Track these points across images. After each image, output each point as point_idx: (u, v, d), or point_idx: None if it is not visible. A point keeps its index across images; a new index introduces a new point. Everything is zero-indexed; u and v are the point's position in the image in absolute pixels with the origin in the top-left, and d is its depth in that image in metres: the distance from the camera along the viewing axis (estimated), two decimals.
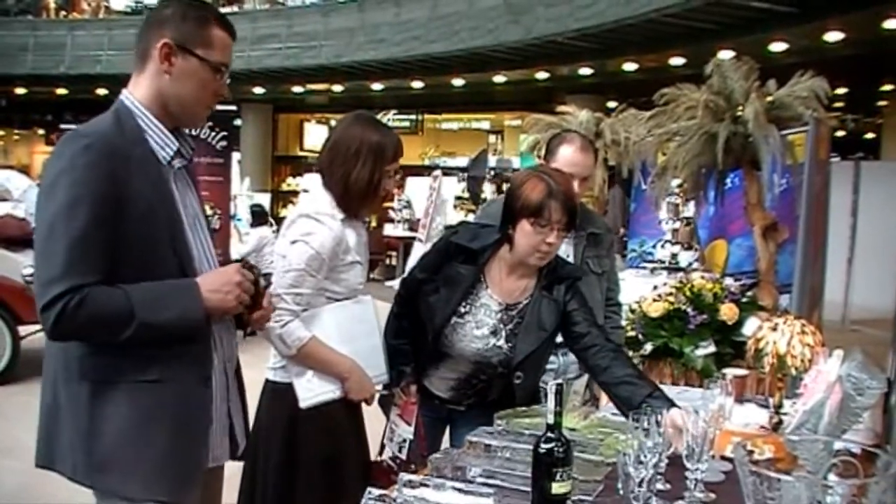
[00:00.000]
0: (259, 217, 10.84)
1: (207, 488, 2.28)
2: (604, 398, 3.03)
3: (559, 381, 1.90)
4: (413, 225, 14.21)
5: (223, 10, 17.64)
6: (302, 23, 18.01)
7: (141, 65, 2.12)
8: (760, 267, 4.98)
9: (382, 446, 2.93)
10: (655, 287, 4.31)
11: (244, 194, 13.77)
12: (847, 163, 11.30)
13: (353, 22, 17.02)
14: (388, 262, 14.75)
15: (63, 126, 13.82)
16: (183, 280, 2.07)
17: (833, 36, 11.49)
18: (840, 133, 17.06)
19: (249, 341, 3.16)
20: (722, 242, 5.74)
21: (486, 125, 22.54)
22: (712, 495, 2.14)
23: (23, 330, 7.21)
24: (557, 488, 1.84)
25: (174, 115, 2.14)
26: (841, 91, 14.13)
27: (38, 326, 2.03)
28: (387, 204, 14.36)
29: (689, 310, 4.07)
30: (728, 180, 5.37)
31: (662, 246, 5.09)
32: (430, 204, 13.06)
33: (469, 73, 16.76)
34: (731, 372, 3.10)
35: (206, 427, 2.15)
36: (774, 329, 2.80)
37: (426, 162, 20.84)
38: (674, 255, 5.01)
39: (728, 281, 4.52)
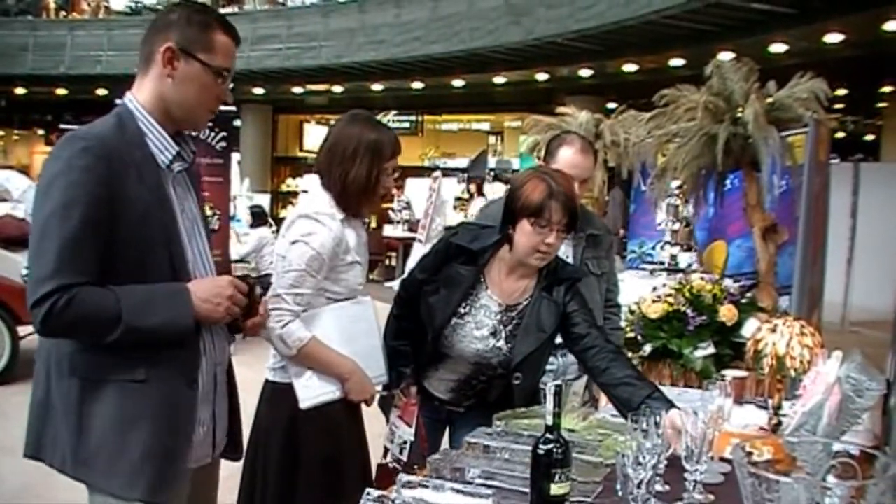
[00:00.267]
0: (258, 218, 10.83)
1: (197, 487, 2.29)
2: (603, 399, 3.03)
3: (558, 382, 1.90)
4: (413, 226, 14.19)
5: (223, 10, 17.69)
6: (302, 23, 18.02)
7: (145, 68, 2.14)
8: (760, 268, 4.98)
9: (387, 449, 2.93)
10: (655, 288, 4.31)
11: (244, 195, 13.76)
12: (847, 164, 11.31)
13: (354, 23, 17.03)
14: (387, 262, 14.73)
15: (63, 126, 13.81)
16: (175, 285, 2.08)
17: (833, 37, 11.49)
18: (840, 134, 17.09)
19: (249, 341, 3.16)
20: (721, 244, 5.73)
21: (485, 126, 22.56)
22: (711, 497, 2.14)
23: (22, 330, 7.21)
24: (556, 489, 1.84)
25: (176, 118, 2.15)
26: (841, 92, 14.13)
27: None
28: (386, 205, 14.35)
29: (688, 311, 4.08)
30: (728, 181, 5.37)
31: (662, 248, 5.09)
32: (429, 205, 13.05)
33: (469, 73, 16.77)
34: (730, 373, 3.10)
35: (190, 429, 2.16)
36: (774, 330, 2.79)
37: (426, 163, 20.86)
38: (673, 257, 5.01)
39: (727, 282, 4.52)
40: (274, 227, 10.74)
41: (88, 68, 19.22)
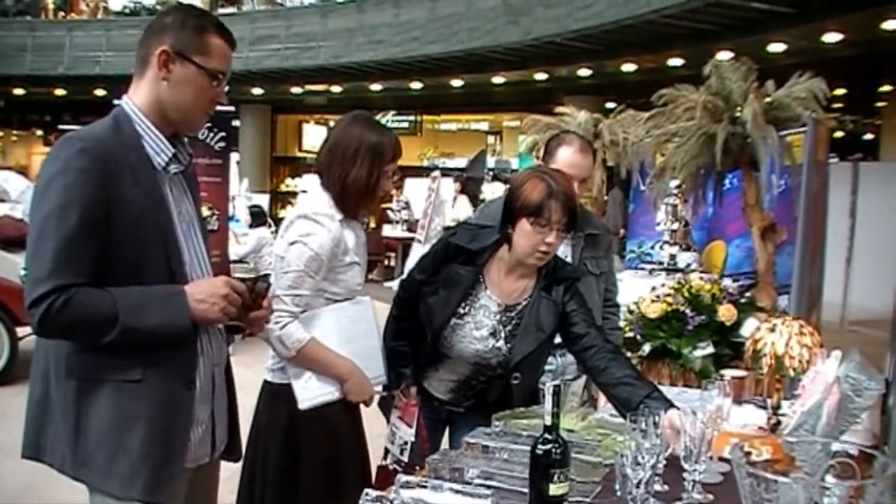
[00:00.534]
0: (257, 218, 10.83)
1: (197, 488, 2.30)
2: (602, 399, 3.03)
3: (557, 382, 1.90)
4: (412, 226, 14.18)
5: (222, 10, 17.69)
6: (300, 24, 18.02)
7: (141, 71, 2.15)
8: (759, 268, 4.98)
9: (387, 450, 2.92)
10: (654, 288, 4.31)
11: (242, 195, 13.75)
12: (846, 164, 11.30)
13: (352, 23, 17.03)
14: (386, 263, 14.73)
15: (61, 127, 13.81)
16: (171, 287, 2.08)
17: (832, 37, 11.49)
18: (839, 134, 17.08)
19: (248, 342, 3.17)
20: (720, 243, 5.73)
21: (484, 126, 22.57)
22: (710, 496, 2.14)
23: (21, 331, 7.21)
24: (555, 489, 1.84)
25: (172, 120, 2.17)
26: (839, 92, 14.15)
27: None
28: (385, 205, 14.35)
29: (687, 311, 4.08)
30: (726, 181, 5.36)
31: (661, 247, 5.09)
32: (428, 205, 13.05)
33: (468, 73, 16.77)
34: (729, 373, 3.10)
35: (188, 429, 2.16)
36: (773, 330, 2.79)
37: (425, 163, 20.87)
38: (672, 256, 5.01)
39: (726, 282, 4.52)
40: (273, 228, 10.73)
41: (87, 69, 19.22)
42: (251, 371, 2.76)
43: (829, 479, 1.54)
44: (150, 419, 2.06)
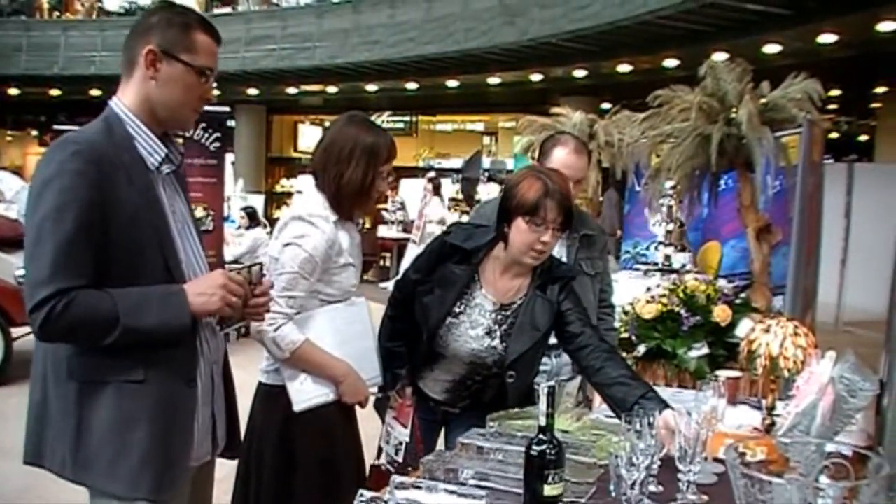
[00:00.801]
0: (253, 219, 10.85)
1: (196, 486, 2.31)
2: (597, 400, 3.03)
3: (551, 382, 1.90)
4: (407, 226, 14.21)
5: (217, 10, 17.67)
6: (296, 24, 17.99)
7: (128, 72, 2.16)
8: (754, 269, 4.98)
9: (380, 450, 2.92)
10: (649, 289, 4.31)
11: (238, 195, 13.75)
12: (841, 165, 11.33)
13: (348, 23, 17.02)
14: (382, 263, 14.74)
15: (56, 127, 13.82)
16: (170, 286, 2.09)
17: (827, 38, 11.50)
18: (834, 135, 17.10)
19: (243, 343, 3.16)
20: (715, 244, 5.73)
21: (480, 127, 22.58)
22: (705, 497, 2.14)
23: (15, 332, 7.20)
24: (549, 490, 1.84)
25: (162, 119, 2.17)
26: (835, 93, 14.17)
27: (30, 328, 2.05)
28: (381, 205, 14.34)
29: (682, 311, 4.08)
30: (722, 182, 5.36)
31: (656, 248, 5.09)
32: (423, 205, 13.07)
33: (463, 74, 16.76)
34: (724, 374, 3.10)
35: (190, 428, 2.17)
36: (767, 331, 2.79)
37: (420, 163, 20.87)
38: (667, 257, 5.01)
39: (721, 282, 4.52)
40: (269, 228, 10.73)
41: (82, 69, 19.18)
42: (246, 372, 2.76)
43: (824, 479, 1.54)
44: (153, 419, 2.07)
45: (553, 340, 2.98)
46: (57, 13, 22.83)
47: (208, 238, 8.17)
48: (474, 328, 2.77)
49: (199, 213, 8.40)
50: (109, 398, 2.05)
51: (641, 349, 4.09)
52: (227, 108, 9.70)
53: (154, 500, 2.08)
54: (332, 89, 19.70)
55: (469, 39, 14.82)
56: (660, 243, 5.11)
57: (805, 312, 4.94)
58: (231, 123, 18.68)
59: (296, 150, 23.34)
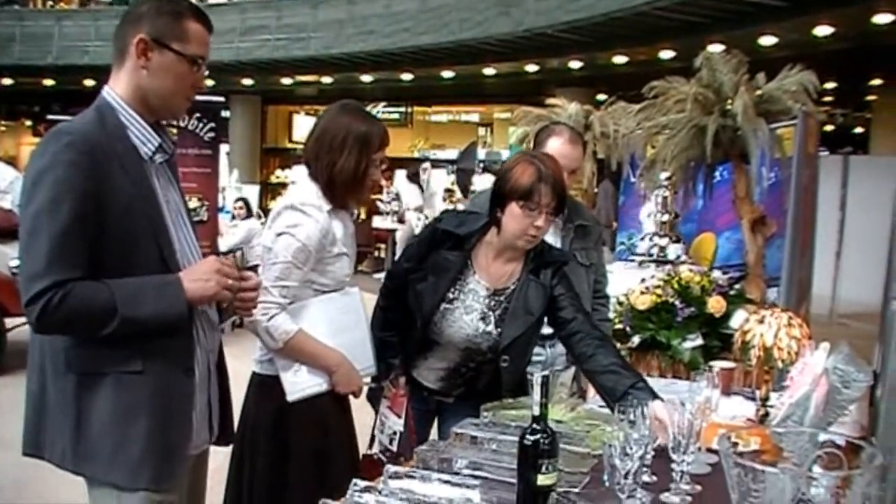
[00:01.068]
0: (246, 210, 10.84)
1: (191, 475, 2.31)
2: (591, 391, 3.03)
3: (545, 372, 1.89)
4: (402, 217, 14.19)
5: (212, 0, 17.59)
6: (291, 14, 17.94)
7: (119, 61, 2.14)
8: (748, 260, 5.00)
9: (372, 439, 2.92)
10: (643, 280, 4.32)
11: (232, 186, 13.72)
12: (836, 157, 11.33)
13: (343, 13, 16.98)
14: (376, 254, 14.73)
15: (50, 117, 13.75)
16: (165, 276, 2.08)
17: (823, 30, 11.51)
18: (829, 127, 17.13)
19: (237, 333, 3.15)
20: (710, 236, 5.74)
21: (475, 118, 22.59)
22: (698, 487, 2.14)
23: (10, 322, 7.18)
24: (543, 480, 1.83)
25: (154, 108, 2.16)
26: (830, 85, 14.18)
27: (24, 318, 2.05)
28: (375, 196, 14.33)
29: (676, 302, 4.09)
30: (717, 173, 5.37)
31: (651, 239, 5.09)
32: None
33: (459, 65, 16.75)
34: (718, 364, 3.10)
35: (189, 417, 2.18)
36: (761, 321, 2.80)
37: (416, 154, 20.84)
38: (662, 248, 5.01)
39: (716, 274, 4.53)
40: (263, 219, 10.71)
41: (76, 59, 19.11)
42: (240, 362, 2.75)
43: (817, 469, 1.54)
44: (152, 409, 2.07)
45: (548, 331, 2.99)
46: (51, 3, 22.75)
47: (203, 229, 8.21)
48: (468, 314, 2.78)
49: (194, 203, 8.39)
50: (108, 389, 2.05)
51: (636, 340, 4.09)
52: (221, 98, 9.67)
53: (155, 489, 2.08)
54: (327, 80, 19.67)
55: (464, 30, 14.80)
56: (655, 234, 5.11)
57: (799, 304, 4.95)
58: (226, 114, 18.65)
59: (290, 141, 23.31)
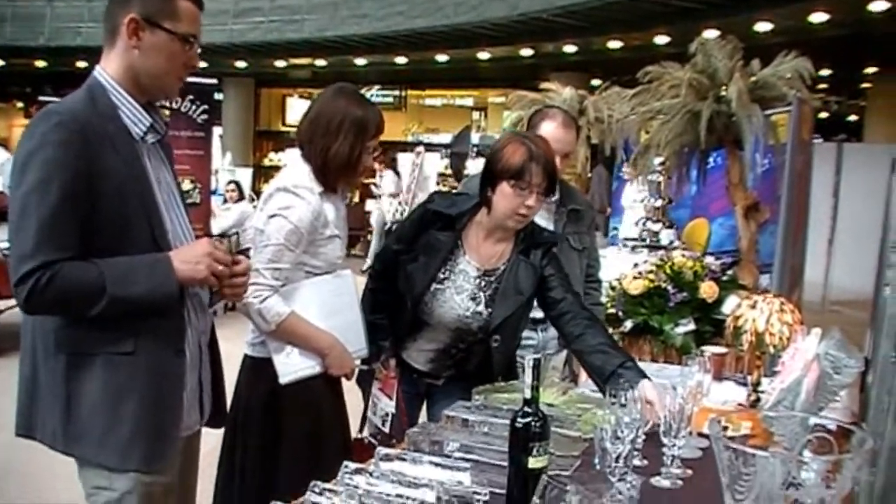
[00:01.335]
0: (239, 192, 10.83)
1: (183, 457, 2.30)
2: (583, 375, 3.03)
3: (537, 355, 1.89)
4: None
5: None
6: None
7: (111, 41, 2.13)
8: (741, 246, 5.00)
9: (363, 423, 2.92)
10: (636, 265, 4.32)
11: (226, 169, 13.68)
12: (830, 144, 11.34)
13: None
14: (369, 238, 14.71)
15: (42, 99, 13.68)
16: (156, 255, 2.07)
17: (818, 17, 11.49)
18: (823, 115, 17.11)
19: (230, 316, 3.14)
20: (703, 221, 5.75)
21: (469, 102, 22.51)
22: (689, 471, 2.15)
23: (2, 304, 7.16)
24: (534, 463, 1.83)
25: (146, 88, 2.15)
26: (825, 72, 14.18)
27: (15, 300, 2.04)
28: (369, 180, 14.31)
29: (669, 287, 4.09)
30: (711, 159, 5.37)
31: (644, 224, 5.10)
32: (412, 180, 13.05)
33: (453, 49, 16.67)
34: (709, 349, 3.11)
35: (179, 398, 2.17)
36: (753, 307, 2.80)
37: (409, 138, 20.79)
38: (655, 234, 5.02)
39: (709, 259, 4.54)
40: (255, 202, 10.69)
41: (68, 40, 18.97)
42: (233, 345, 2.75)
43: (807, 453, 1.54)
44: (143, 390, 2.07)
45: (540, 315, 2.99)
46: None
47: (195, 211, 8.19)
48: (459, 294, 2.78)
49: (187, 185, 8.36)
50: (98, 370, 2.05)
51: (628, 325, 4.10)
52: (214, 81, 9.62)
53: (145, 470, 2.08)
54: (320, 63, 19.57)
55: (459, 14, 14.72)
56: (647, 219, 5.11)
57: (792, 291, 4.96)
58: (219, 96, 18.57)
59: (284, 124, 23.22)
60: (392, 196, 13.64)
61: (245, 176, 13.95)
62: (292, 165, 2.72)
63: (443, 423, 2.36)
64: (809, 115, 5.27)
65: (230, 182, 11.20)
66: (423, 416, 3.04)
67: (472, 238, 2.81)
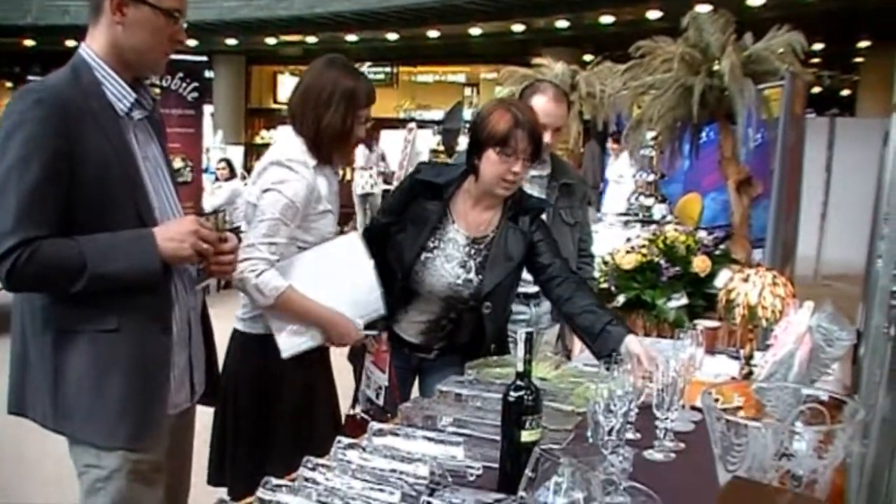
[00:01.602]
0: (230, 170, 10.80)
1: (175, 435, 2.30)
2: (576, 349, 3.04)
3: (529, 329, 1.89)
4: (387, 177, 14.13)
5: None
6: None
7: (95, 17, 2.11)
8: (734, 221, 5.01)
9: (355, 400, 2.92)
10: (629, 239, 4.32)
11: (217, 147, 13.63)
12: (822, 119, 11.34)
13: None
14: (366, 211, 14.66)
15: (31, 78, 13.57)
16: (139, 230, 2.06)
17: None
18: (816, 89, 17.09)
19: (223, 294, 3.14)
20: (696, 196, 5.75)
21: (461, 78, 22.41)
22: (682, 444, 2.16)
23: None
24: (526, 436, 1.83)
25: (132, 64, 2.13)
26: (818, 47, 14.13)
27: None
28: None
29: (661, 262, 4.09)
30: (703, 134, 5.37)
31: (636, 198, 5.09)
32: (404, 157, 13.03)
33: (445, 24, 16.59)
34: (702, 323, 3.11)
35: (166, 376, 2.16)
36: (746, 280, 2.80)
37: (401, 115, 20.71)
38: (647, 208, 5.02)
39: (701, 234, 4.54)
40: (247, 180, 10.65)
41: (56, 19, 18.79)
42: (225, 323, 2.73)
43: (799, 424, 1.54)
44: (128, 367, 2.06)
45: (533, 290, 2.99)
46: None
47: (186, 189, 8.16)
48: (449, 262, 2.79)
49: (178, 164, 8.32)
50: (84, 348, 2.04)
51: (621, 299, 4.10)
52: (204, 58, 9.55)
53: (132, 448, 2.08)
54: (311, 39, 19.44)
55: None
56: (640, 194, 5.11)
57: (784, 265, 4.97)
58: (209, 74, 18.46)
59: (275, 102, 23.09)
60: (362, 169, 13.67)
61: (237, 154, 13.90)
62: (285, 139, 2.70)
63: (436, 397, 2.36)
64: (802, 90, 5.26)
65: (221, 160, 11.16)
66: (415, 391, 3.03)
67: (461, 206, 2.82)
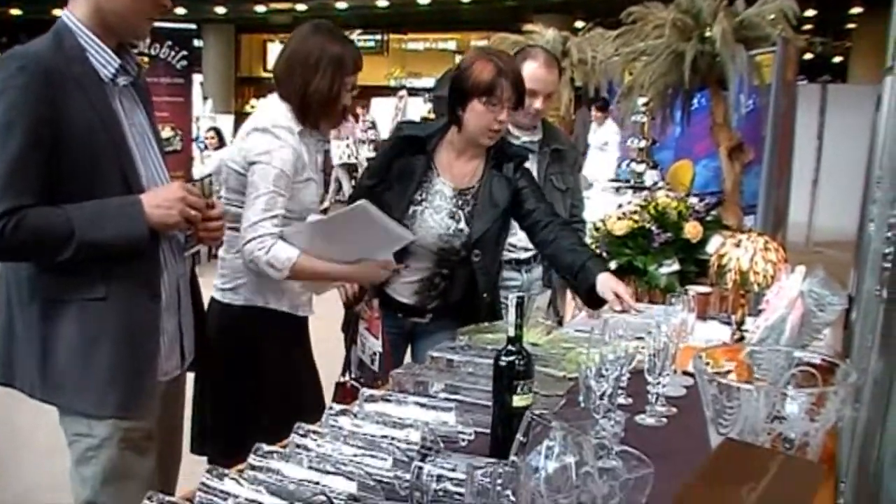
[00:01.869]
0: (219, 139, 10.76)
1: (166, 402, 2.29)
2: (568, 315, 3.04)
3: (521, 294, 1.88)
4: (378, 146, 14.08)
5: None
6: None
7: None
8: (726, 187, 5.01)
9: (345, 368, 2.91)
10: (620, 205, 4.31)
11: (207, 116, 13.55)
12: (814, 85, 11.32)
13: None
14: (353, 183, 14.63)
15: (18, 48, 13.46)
16: (126, 197, 2.04)
17: None
18: (808, 56, 17.05)
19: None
20: (687, 163, 5.74)
21: (452, 45, 22.31)
22: (674, 409, 2.15)
23: None
24: (518, 401, 1.83)
25: (115, 29, 2.09)
26: (810, 13, 14.08)
27: None
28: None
29: (653, 228, 4.09)
30: (695, 101, 5.35)
31: (627, 165, 5.08)
32: (395, 125, 12.94)
33: None
34: (693, 288, 3.11)
35: (155, 343, 2.15)
36: (738, 245, 2.80)
37: (392, 83, 20.63)
38: (639, 175, 5.01)
39: (693, 200, 4.53)
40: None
41: None
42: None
43: (791, 388, 1.54)
44: (117, 336, 2.05)
45: (525, 255, 2.98)
46: None
47: (176, 158, 8.13)
48: (437, 213, 2.80)
49: (167, 133, 8.27)
50: (72, 317, 2.03)
51: (612, 265, 4.09)
52: (193, 26, 9.46)
53: (122, 416, 2.07)
54: (301, 7, 19.32)
55: None
56: (632, 160, 5.10)
57: (776, 231, 4.98)
58: (198, 43, 18.31)
59: (265, 70, 22.97)
60: (337, 139, 13.65)
61: (226, 123, 13.80)
62: (269, 104, 2.65)
63: (427, 363, 2.36)
64: (794, 56, 5.24)
65: (210, 129, 11.10)
66: (407, 357, 3.03)
67: (444, 158, 2.83)
